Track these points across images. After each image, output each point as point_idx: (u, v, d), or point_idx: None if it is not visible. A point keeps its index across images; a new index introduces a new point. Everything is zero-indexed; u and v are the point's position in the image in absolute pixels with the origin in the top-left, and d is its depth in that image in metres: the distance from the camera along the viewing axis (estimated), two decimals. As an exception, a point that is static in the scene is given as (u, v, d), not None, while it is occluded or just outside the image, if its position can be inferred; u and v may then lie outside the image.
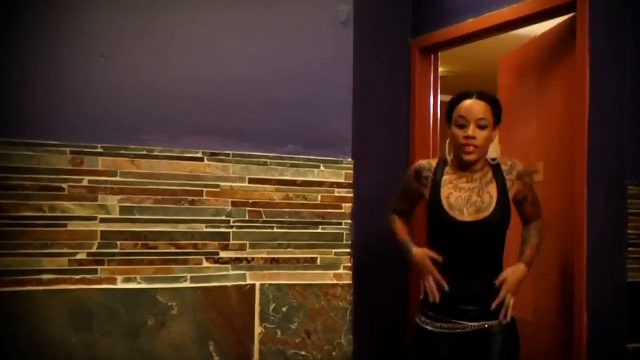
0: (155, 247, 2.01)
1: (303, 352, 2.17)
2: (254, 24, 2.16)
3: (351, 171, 2.26)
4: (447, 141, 2.21)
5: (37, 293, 1.87)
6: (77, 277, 1.92)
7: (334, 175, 2.23)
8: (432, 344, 2.15)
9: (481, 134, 2.13)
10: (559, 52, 2.86)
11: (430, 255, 2.18)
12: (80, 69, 1.94)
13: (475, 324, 2.12)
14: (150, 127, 2.02)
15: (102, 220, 1.95)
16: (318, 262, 2.21)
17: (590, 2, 2.49)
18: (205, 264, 2.07)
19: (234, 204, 2.11)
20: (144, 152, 2.00)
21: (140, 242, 1.99)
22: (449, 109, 2.20)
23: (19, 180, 1.86)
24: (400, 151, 3.36)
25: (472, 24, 3.06)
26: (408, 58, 3.40)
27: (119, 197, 1.97)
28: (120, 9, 1.99)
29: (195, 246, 2.06)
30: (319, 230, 2.21)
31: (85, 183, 1.93)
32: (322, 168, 2.22)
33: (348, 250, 2.25)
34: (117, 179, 1.97)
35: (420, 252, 2.21)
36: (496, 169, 2.21)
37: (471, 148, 2.13)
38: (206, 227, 2.07)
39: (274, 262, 2.15)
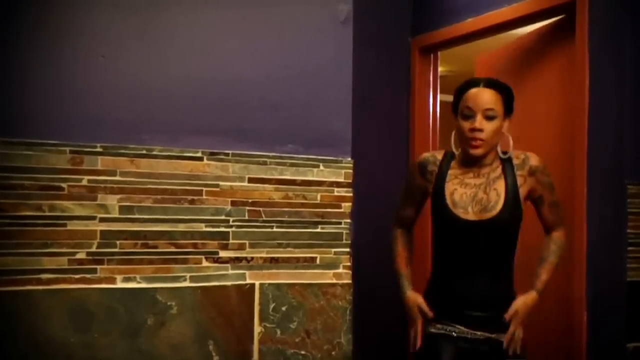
0: (155, 247, 2.01)
1: (303, 352, 2.18)
2: (254, 24, 2.16)
3: (351, 171, 2.26)
4: (453, 134, 2.04)
5: (37, 293, 1.87)
6: (77, 276, 1.92)
7: (334, 174, 2.23)
8: (435, 349, 2.02)
9: (489, 126, 1.95)
10: (543, 53, 2.87)
11: (420, 306, 2.05)
12: (80, 69, 1.94)
13: (482, 333, 1.98)
14: (149, 126, 2.02)
15: (102, 220, 1.95)
16: (318, 261, 2.21)
17: (589, 2, 2.50)
18: (205, 263, 2.07)
19: (233, 203, 2.11)
20: (144, 152, 2.00)
21: (139, 242, 1.99)
22: (456, 98, 2.04)
23: (18, 179, 1.86)
24: (400, 151, 3.37)
25: (471, 23, 3.06)
26: (408, 58, 3.41)
27: (119, 196, 1.97)
28: (120, 9, 1.99)
29: (194, 246, 2.06)
30: (319, 230, 2.21)
31: (84, 183, 1.93)
32: (321, 168, 2.22)
33: (347, 249, 2.25)
34: (117, 178, 1.97)
35: (413, 299, 2.09)
36: (507, 163, 2.02)
37: (478, 142, 1.95)
38: (206, 226, 2.07)
39: (274, 262, 2.15)
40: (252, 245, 2.13)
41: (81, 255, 1.93)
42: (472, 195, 2.00)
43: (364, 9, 2.97)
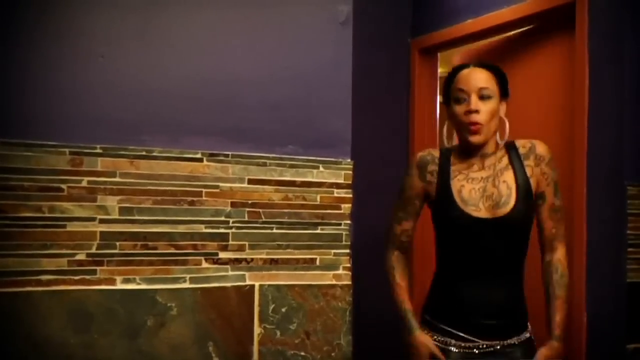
0: (155, 248, 2.01)
1: (302, 353, 2.17)
2: (254, 25, 2.16)
3: (350, 172, 2.25)
4: (445, 126, 1.90)
5: (37, 294, 1.87)
6: (77, 277, 1.91)
7: (333, 175, 2.23)
8: None
9: (486, 107, 1.78)
10: (543, 53, 2.87)
11: (433, 351, 1.86)
12: (80, 69, 1.94)
13: (495, 342, 1.82)
14: (149, 127, 2.01)
15: (102, 221, 1.95)
16: (317, 262, 2.21)
17: (589, 3, 2.50)
18: (205, 264, 2.07)
19: (233, 204, 2.10)
20: (143, 153, 2.00)
21: (139, 243, 1.99)
22: (446, 87, 1.88)
23: (18, 181, 1.86)
24: (400, 152, 3.37)
25: (471, 24, 3.06)
26: (408, 58, 3.41)
27: (118, 197, 1.97)
28: (119, 10, 1.98)
29: (194, 247, 2.06)
30: (318, 231, 2.21)
31: (84, 184, 1.93)
32: (321, 169, 2.22)
33: (347, 251, 2.25)
34: (117, 179, 1.97)
35: (424, 343, 1.89)
36: (512, 152, 1.85)
37: (477, 126, 1.77)
38: (205, 227, 2.07)
39: (274, 263, 2.15)
40: (251, 247, 2.13)
41: (81, 256, 1.92)
42: (481, 190, 1.82)
43: (364, 10, 2.97)
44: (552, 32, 2.85)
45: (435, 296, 1.98)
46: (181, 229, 2.04)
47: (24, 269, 1.86)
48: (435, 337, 1.91)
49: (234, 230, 2.10)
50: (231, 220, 2.10)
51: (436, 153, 1.94)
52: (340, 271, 2.24)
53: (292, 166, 2.18)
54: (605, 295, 2.46)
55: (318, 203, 2.21)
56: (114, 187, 1.96)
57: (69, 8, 1.93)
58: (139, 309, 1.98)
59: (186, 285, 2.04)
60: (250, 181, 2.13)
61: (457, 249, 1.87)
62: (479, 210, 1.81)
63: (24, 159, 1.87)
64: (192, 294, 2.04)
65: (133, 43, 2.01)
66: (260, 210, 2.14)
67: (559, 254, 1.89)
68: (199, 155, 2.07)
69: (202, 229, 2.07)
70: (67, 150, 1.91)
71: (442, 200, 1.87)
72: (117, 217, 1.96)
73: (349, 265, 2.25)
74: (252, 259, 2.12)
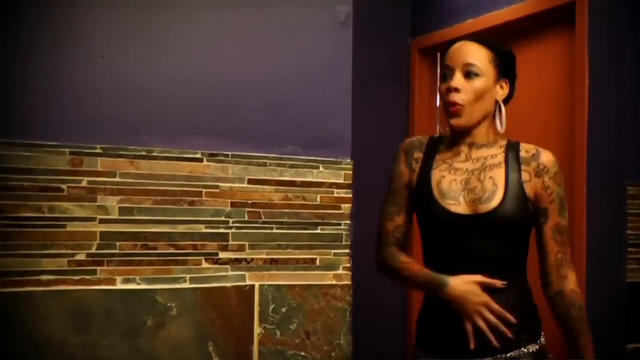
0: (155, 248, 2.01)
1: (302, 353, 2.17)
2: (254, 25, 2.16)
3: (350, 172, 2.25)
4: (438, 109, 1.80)
5: (37, 294, 1.87)
6: (77, 277, 1.91)
7: (333, 175, 2.23)
8: None
9: (470, 86, 1.53)
10: (542, 52, 2.87)
11: (480, 279, 1.55)
12: (80, 69, 1.94)
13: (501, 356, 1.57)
14: (149, 127, 2.01)
15: (102, 221, 1.95)
16: (317, 262, 2.21)
17: (589, 3, 2.50)
18: (205, 264, 2.07)
19: (233, 204, 2.10)
20: (143, 153, 2.00)
21: (139, 243, 1.99)
22: (440, 64, 1.70)
23: (18, 181, 1.86)
24: (400, 152, 3.36)
25: (471, 24, 3.06)
26: (408, 58, 3.41)
27: (118, 197, 1.97)
28: (119, 10, 1.98)
29: (194, 247, 2.06)
30: (318, 231, 2.21)
31: (84, 184, 1.93)
32: (321, 169, 2.22)
33: (347, 251, 2.25)
34: (117, 179, 1.97)
35: (462, 280, 1.55)
36: (512, 152, 1.61)
37: (456, 107, 1.54)
38: (205, 227, 2.07)
39: (273, 263, 2.15)
40: (251, 247, 2.13)
41: (81, 256, 1.92)
42: (464, 183, 1.60)
43: (364, 10, 2.97)
44: (552, 32, 2.85)
45: (425, 309, 1.73)
46: (181, 229, 2.04)
47: (24, 269, 1.86)
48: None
49: (233, 230, 2.10)
50: (231, 220, 2.10)
51: (424, 139, 1.72)
52: (340, 271, 2.24)
53: (292, 166, 2.18)
54: (605, 295, 2.46)
55: (318, 203, 2.21)
56: (114, 187, 1.96)
57: (69, 8, 1.93)
58: (139, 309, 1.98)
59: (186, 285, 2.04)
60: (250, 181, 2.13)
61: (438, 248, 1.64)
62: (458, 205, 1.58)
63: (24, 159, 1.87)
64: (192, 294, 2.04)
65: (133, 43, 2.01)
66: (260, 210, 2.14)
67: (572, 284, 1.64)
68: (198, 155, 2.07)
69: (202, 229, 2.07)
70: (67, 150, 1.91)
71: (419, 190, 1.65)
72: (117, 217, 1.96)
73: (349, 265, 2.25)
74: (252, 259, 2.12)
